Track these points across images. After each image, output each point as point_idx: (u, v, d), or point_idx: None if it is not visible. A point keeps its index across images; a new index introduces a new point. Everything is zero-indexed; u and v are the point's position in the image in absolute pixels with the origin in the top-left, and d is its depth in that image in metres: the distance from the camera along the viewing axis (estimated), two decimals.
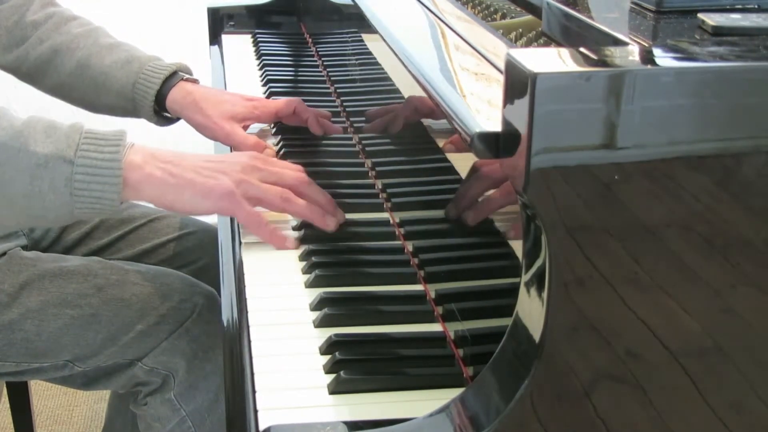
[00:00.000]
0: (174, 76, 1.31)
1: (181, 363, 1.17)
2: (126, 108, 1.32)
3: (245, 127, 1.29)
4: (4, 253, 1.21)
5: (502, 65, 0.66)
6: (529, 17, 0.95)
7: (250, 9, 1.77)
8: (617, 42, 0.73)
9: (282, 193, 1.02)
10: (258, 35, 1.73)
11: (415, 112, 1.08)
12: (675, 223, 0.66)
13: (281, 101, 1.31)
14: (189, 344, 1.17)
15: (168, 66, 1.31)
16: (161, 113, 1.33)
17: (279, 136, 1.31)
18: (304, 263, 1.00)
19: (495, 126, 0.66)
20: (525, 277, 0.69)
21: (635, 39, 0.73)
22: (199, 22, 1.82)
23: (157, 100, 1.30)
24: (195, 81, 1.33)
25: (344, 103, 1.39)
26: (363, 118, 1.29)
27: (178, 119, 1.34)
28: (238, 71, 1.56)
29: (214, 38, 1.75)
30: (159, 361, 1.17)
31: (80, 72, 1.33)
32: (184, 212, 1.02)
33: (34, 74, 1.36)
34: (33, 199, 0.95)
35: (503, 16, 1.00)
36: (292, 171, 1.06)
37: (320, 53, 1.60)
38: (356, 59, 1.39)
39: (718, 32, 0.74)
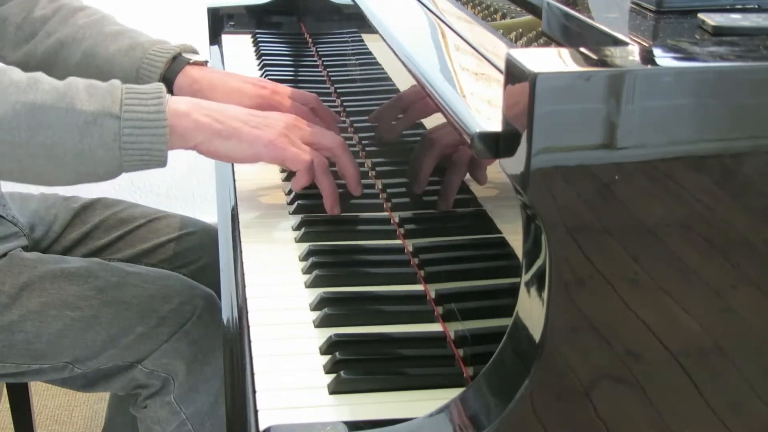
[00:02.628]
0: (179, 59, 1.28)
1: (181, 366, 1.17)
2: None
3: None
4: (5, 254, 1.21)
5: (502, 65, 0.66)
6: (529, 17, 0.95)
7: (250, 9, 1.77)
8: (617, 42, 0.73)
9: (320, 160, 1.06)
10: (258, 35, 1.73)
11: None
12: (675, 223, 0.66)
13: (289, 104, 1.24)
14: (189, 347, 1.17)
15: (171, 49, 1.28)
16: None
17: None
18: (304, 263, 1.00)
19: (495, 126, 0.66)
20: (525, 277, 0.69)
21: (635, 39, 0.73)
22: (199, 22, 1.82)
23: (165, 85, 1.28)
24: (202, 63, 1.30)
25: (344, 103, 1.39)
26: (363, 118, 1.29)
27: None
28: (238, 71, 1.56)
29: (214, 38, 1.75)
30: (159, 364, 1.17)
31: (86, 63, 1.31)
32: (228, 159, 1.06)
33: (43, 68, 1.34)
34: (83, 156, 0.98)
35: (503, 16, 1.00)
36: (331, 134, 1.09)
37: (320, 53, 1.60)
38: (356, 59, 1.39)
39: (718, 32, 0.74)
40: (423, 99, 1.02)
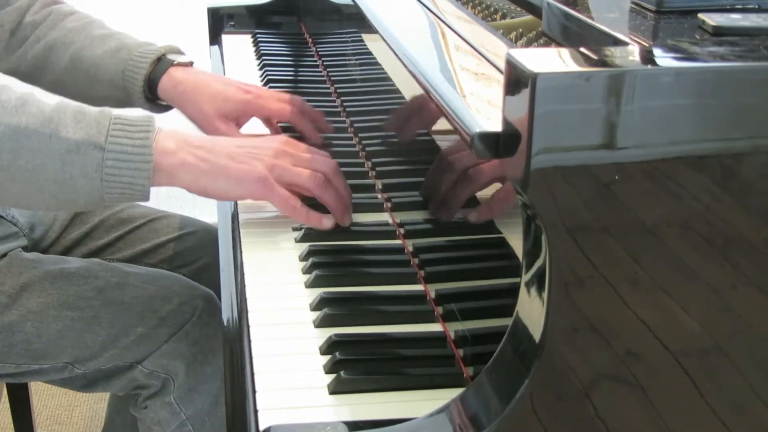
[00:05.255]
0: (163, 61, 1.27)
1: (181, 366, 1.17)
2: (119, 98, 1.30)
3: (239, 124, 1.26)
4: (5, 255, 1.21)
5: (502, 65, 0.66)
6: (529, 17, 0.95)
7: (250, 9, 1.77)
8: (617, 42, 0.73)
9: (315, 177, 1.04)
10: (258, 35, 1.73)
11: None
12: (675, 223, 0.66)
13: (276, 106, 1.25)
14: (189, 347, 1.17)
15: (156, 50, 1.27)
16: (155, 100, 1.30)
17: None
18: (304, 263, 1.00)
19: (495, 126, 0.66)
20: (525, 277, 0.69)
21: (635, 39, 0.73)
22: (199, 22, 1.82)
23: (150, 87, 1.27)
24: (187, 64, 1.29)
25: (344, 103, 1.39)
26: (363, 118, 1.29)
27: (172, 107, 1.31)
28: (238, 71, 1.56)
29: (214, 38, 1.75)
30: (159, 364, 1.17)
31: (74, 66, 1.31)
32: (218, 197, 1.04)
33: (33, 73, 1.35)
34: (63, 184, 0.96)
35: (503, 16, 1.00)
36: (322, 158, 1.07)
37: (320, 53, 1.60)
38: (356, 59, 1.39)
39: (718, 32, 0.74)
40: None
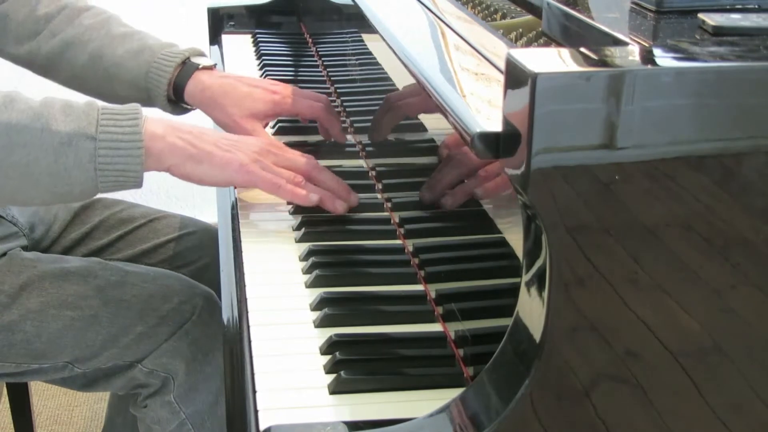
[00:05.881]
0: (188, 64, 1.27)
1: (181, 365, 1.17)
2: (141, 98, 1.29)
3: (266, 123, 1.26)
4: (5, 254, 1.21)
5: (502, 65, 0.66)
6: (529, 17, 0.95)
7: (250, 9, 1.77)
8: (617, 42, 0.73)
9: (294, 177, 1.06)
10: (258, 35, 1.73)
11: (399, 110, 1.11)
12: (675, 223, 0.66)
13: (305, 104, 1.24)
14: (189, 346, 1.17)
15: (179, 53, 1.27)
16: (177, 103, 1.30)
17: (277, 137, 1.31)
18: (304, 263, 1.00)
19: (495, 126, 0.66)
20: (525, 277, 0.69)
21: (635, 39, 0.73)
22: (199, 22, 1.82)
23: (175, 90, 1.27)
24: (211, 67, 1.28)
25: (344, 103, 1.39)
26: (363, 118, 1.29)
27: (193, 109, 1.31)
28: (238, 71, 1.56)
29: (214, 38, 1.75)
30: (158, 363, 1.17)
31: (93, 64, 1.31)
32: (201, 182, 1.05)
33: (48, 67, 1.35)
34: (58, 176, 0.98)
35: (503, 16, 1.00)
36: (304, 159, 1.09)
37: (320, 53, 1.60)
38: (356, 59, 1.39)
39: (719, 32, 0.74)
40: (407, 98, 1.03)
